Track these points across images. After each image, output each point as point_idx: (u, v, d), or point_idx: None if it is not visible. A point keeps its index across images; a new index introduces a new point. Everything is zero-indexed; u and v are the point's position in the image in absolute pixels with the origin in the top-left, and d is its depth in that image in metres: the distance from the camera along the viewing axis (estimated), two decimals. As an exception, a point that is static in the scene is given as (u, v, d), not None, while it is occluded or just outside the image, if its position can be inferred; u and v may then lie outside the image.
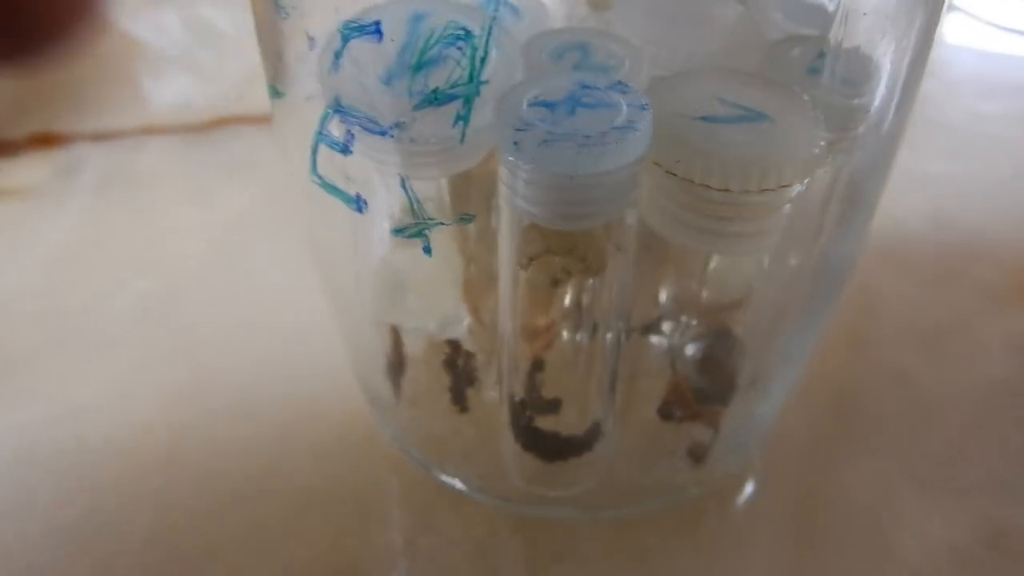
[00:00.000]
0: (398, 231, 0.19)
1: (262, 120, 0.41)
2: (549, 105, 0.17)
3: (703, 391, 0.23)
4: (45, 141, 0.39)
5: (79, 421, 0.27)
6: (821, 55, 0.18)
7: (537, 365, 0.22)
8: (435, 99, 0.16)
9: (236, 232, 0.35)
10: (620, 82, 0.17)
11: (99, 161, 0.38)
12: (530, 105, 0.17)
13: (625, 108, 0.16)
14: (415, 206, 0.18)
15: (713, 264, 0.22)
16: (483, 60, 0.16)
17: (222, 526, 0.25)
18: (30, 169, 0.38)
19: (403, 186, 0.18)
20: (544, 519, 0.25)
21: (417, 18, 0.17)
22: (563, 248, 0.18)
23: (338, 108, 0.17)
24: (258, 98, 0.42)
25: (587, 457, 0.23)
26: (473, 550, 0.24)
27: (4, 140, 0.39)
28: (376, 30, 0.16)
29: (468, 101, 0.16)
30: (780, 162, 0.17)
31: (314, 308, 0.30)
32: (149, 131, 0.40)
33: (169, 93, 0.43)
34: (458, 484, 0.25)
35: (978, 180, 0.38)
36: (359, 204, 0.18)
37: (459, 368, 0.24)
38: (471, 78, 0.16)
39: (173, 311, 0.31)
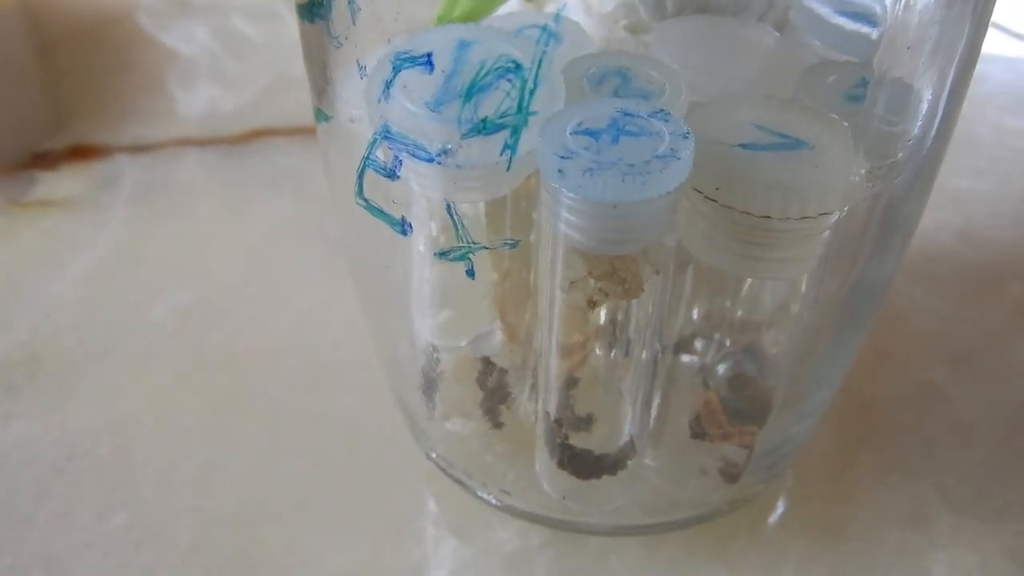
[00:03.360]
0: (442, 254, 0.19)
1: (295, 132, 0.41)
2: (593, 133, 0.17)
3: (736, 410, 0.23)
4: (83, 153, 0.40)
5: (119, 433, 0.28)
6: (862, 83, 0.18)
7: (571, 382, 0.22)
8: (484, 128, 0.16)
9: (273, 244, 0.35)
10: (662, 110, 0.17)
11: (137, 173, 0.39)
12: (573, 133, 0.17)
13: (667, 136, 0.17)
14: (460, 231, 0.18)
15: (748, 284, 0.22)
16: (532, 92, 0.16)
17: (260, 539, 0.25)
18: (69, 181, 0.38)
19: (449, 211, 0.18)
20: (576, 533, 0.25)
21: (463, 45, 0.17)
22: (603, 272, 0.19)
23: (387, 135, 0.17)
24: (289, 108, 0.43)
25: (621, 475, 0.23)
26: (506, 563, 0.24)
27: (43, 152, 0.40)
28: (428, 62, 0.16)
29: (516, 131, 0.16)
30: (820, 190, 0.17)
31: (352, 320, 0.31)
32: (185, 143, 0.40)
33: (200, 102, 0.44)
34: (492, 499, 0.25)
35: (1007, 195, 0.37)
36: (404, 227, 0.19)
37: (491, 384, 0.24)
38: (520, 109, 0.16)
39: (212, 323, 0.32)
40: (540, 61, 0.16)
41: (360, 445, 0.27)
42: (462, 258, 0.19)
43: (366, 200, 0.19)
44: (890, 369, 0.30)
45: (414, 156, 0.17)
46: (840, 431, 0.28)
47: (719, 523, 0.25)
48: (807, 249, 0.18)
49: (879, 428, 0.28)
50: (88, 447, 0.27)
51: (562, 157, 0.16)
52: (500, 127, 0.16)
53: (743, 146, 0.17)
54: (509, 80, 0.16)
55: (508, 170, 0.17)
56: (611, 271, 0.19)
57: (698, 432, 0.24)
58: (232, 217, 0.37)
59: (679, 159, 0.16)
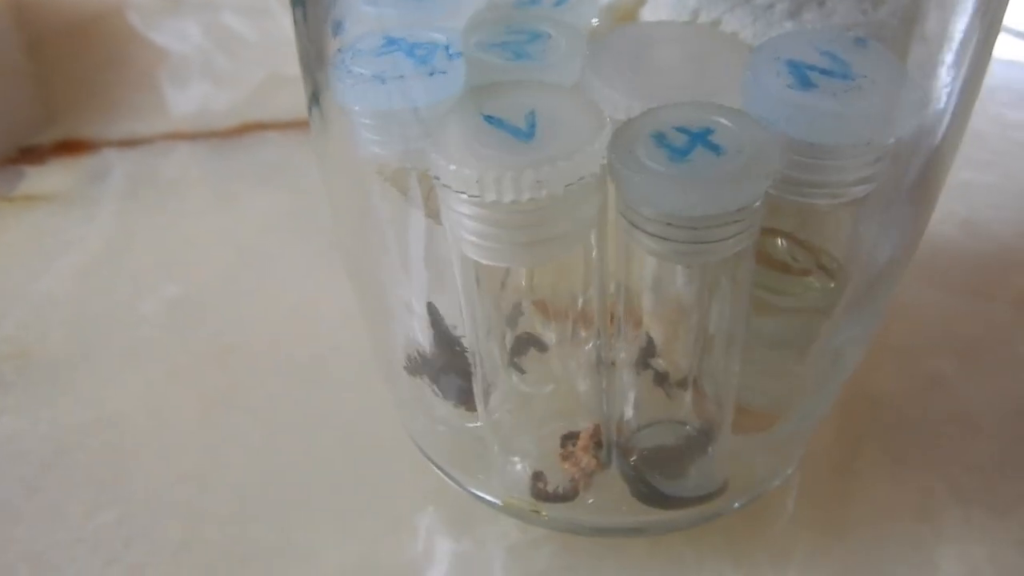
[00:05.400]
0: None
1: (287, 125, 0.41)
2: (391, 43, 0.18)
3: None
4: (72, 148, 0.39)
5: (109, 428, 0.27)
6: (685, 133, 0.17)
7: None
8: None
9: (264, 237, 0.35)
10: (458, 52, 0.18)
11: (126, 167, 0.38)
12: (381, 43, 0.18)
13: (412, 69, 0.17)
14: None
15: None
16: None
17: (253, 536, 0.24)
18: (58, 175, 0.38)
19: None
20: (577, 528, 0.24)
21: None
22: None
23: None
24: (281, 103, 0.42)
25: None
26: (505, 558, 0.24)
27: (31, 147, 0.39)
28: None
29: None
30: (490, 175, 0.16)
31: (345, 314, 0.30)
32: (175, 137, 0.40)
33: (192, 99, 0.43)
34: (486, 495, 0.25)
35: (1011, 188, 0.37)
36: None
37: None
38: None
39: (203, 317, 0.31)
40: None
41: (355, 440, 0.27)
42: None
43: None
44: (894, 361, 0.29)
45: None
46: (845, 423, 0.27)
47: (727, 519, 0.25)
48: (538, 231, 0.17)
49: (884, 420, 0.28)
50: (78, 442, 0.27)
51: (339, 50, 0.18)
52: None
53: (488, 118, 0.17)
54: None
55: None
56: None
57: (566, 436, 0.22)
58: (223, 211, 0.36)
59: (382, 83, 0.17)
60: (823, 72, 0.17)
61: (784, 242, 0.20)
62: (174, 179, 0.38)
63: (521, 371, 0.21)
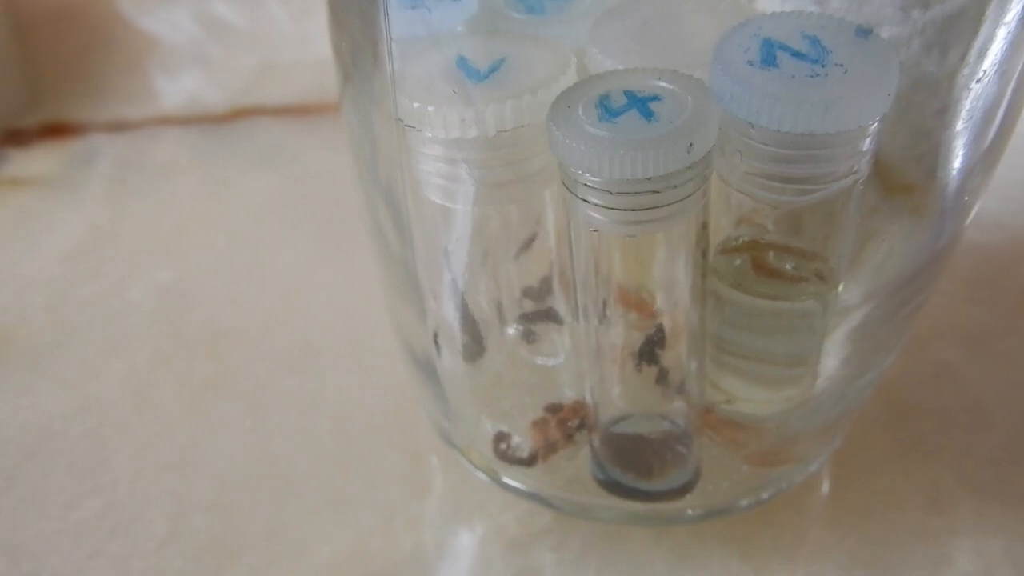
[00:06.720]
0: None
1: (280, 111, 0.40)
2: None
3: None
4: (58, 131, 0.38)
5: (93, 415, 0.27)
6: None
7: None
8: None
9: (256, 224, 0.34)
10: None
11: (114, 151, 0.38)
12: None
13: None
14: None
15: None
16: None
17: (242, 526, 0.24)
18: (44, 159, 0.37)
19: None
20: (582, 517, 0.24)
21: None
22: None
23: None
24: (273, 90, 0.41)
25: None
26: (506, 551, 0.23)
27: (16, 129, 0.39)
28: None
29: None
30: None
31: (337, 300, 0.30)
32: (165, 122, 0.39)
33: (182, 86, 0.42)
34: (499, 477, 0.24)
35: (1018, 179, 0.37)
36: None
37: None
38: None
39: (192, 303, 0.30)
40: None
41: (347, 428, 0.26)
42: None
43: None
44: (906, 352, 0.29)
45: None
46: (857, 415, 0.26)
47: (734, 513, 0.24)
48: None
49: (893, 410, 0.27)
50: (60, 430, 0.26)
51: None
52: None
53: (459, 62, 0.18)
54: None
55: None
56: None
57: (551, 408, 0.22)
58: (214, 196, 0.35)
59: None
60: (794, 54, 0.15)
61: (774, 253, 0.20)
62: (164, 164, 0.37)
63: (532, 340, 0.21)
